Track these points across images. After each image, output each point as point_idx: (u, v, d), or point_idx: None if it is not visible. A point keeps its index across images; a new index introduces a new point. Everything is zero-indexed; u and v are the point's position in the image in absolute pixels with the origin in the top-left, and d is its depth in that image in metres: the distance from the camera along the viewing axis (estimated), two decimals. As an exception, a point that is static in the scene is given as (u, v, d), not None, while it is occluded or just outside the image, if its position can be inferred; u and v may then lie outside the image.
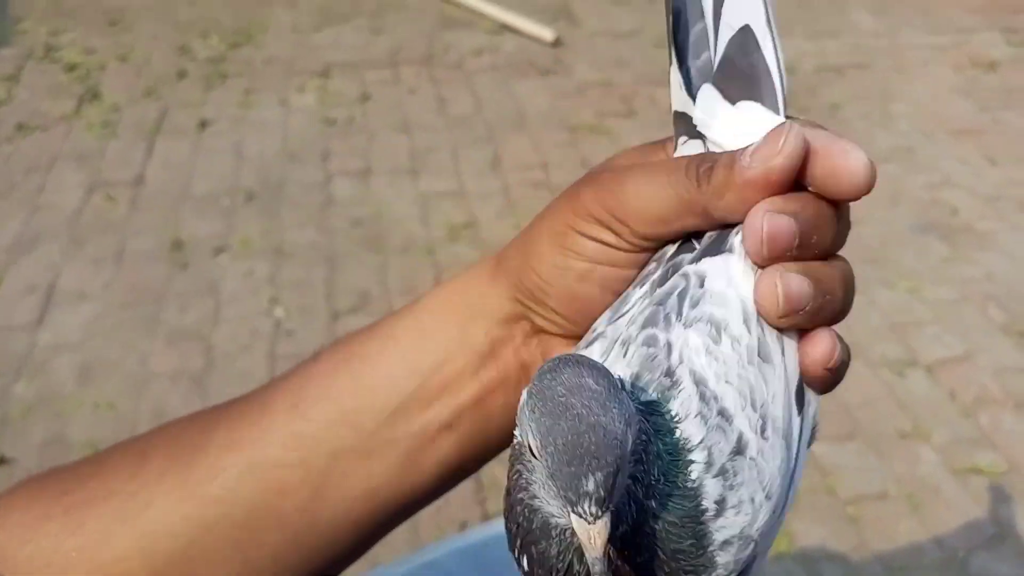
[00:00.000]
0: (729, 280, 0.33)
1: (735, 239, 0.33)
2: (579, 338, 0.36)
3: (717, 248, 0.34)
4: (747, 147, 0.32)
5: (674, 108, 0.37)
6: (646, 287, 0.34)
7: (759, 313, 0.32)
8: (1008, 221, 2.27)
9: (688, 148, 0.37)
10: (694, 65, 0.36)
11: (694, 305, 0.32)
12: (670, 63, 0.37)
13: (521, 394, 0.29)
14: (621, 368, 0.32)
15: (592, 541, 0.26)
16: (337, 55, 2.89)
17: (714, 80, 0.36)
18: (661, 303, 0.33)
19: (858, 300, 1.46)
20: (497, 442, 0.41)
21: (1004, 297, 1.99)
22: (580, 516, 0.26)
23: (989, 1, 3.60)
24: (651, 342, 0.32)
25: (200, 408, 0.44)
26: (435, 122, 2.56)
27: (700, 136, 0.36)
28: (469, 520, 1.43)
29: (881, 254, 2.11)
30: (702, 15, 0.36)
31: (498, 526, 0.80)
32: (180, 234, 2.06)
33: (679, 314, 0.32)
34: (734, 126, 0.35)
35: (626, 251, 0.35)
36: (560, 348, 0.38)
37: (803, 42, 3.17)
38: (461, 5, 3.25)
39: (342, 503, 0.39)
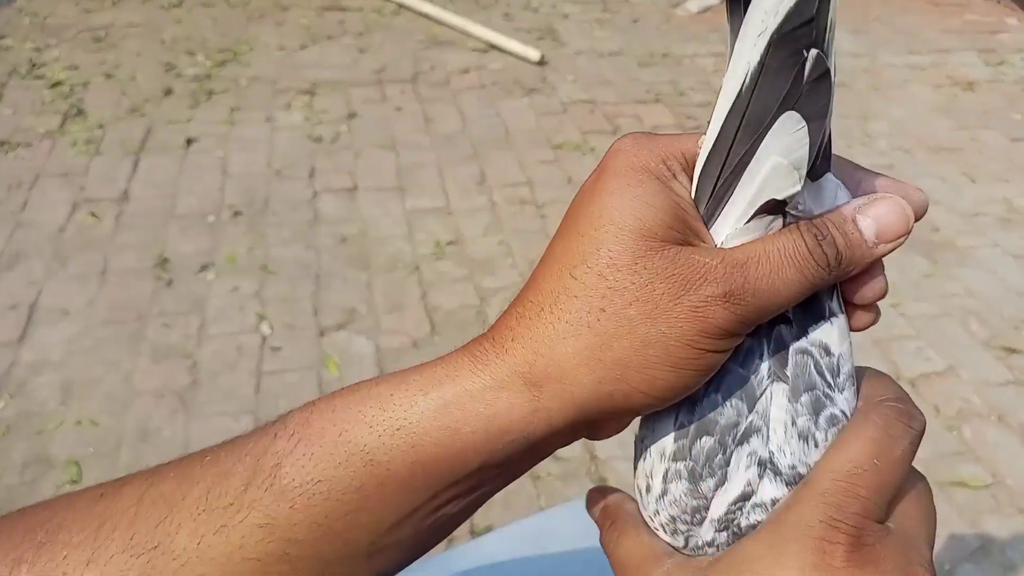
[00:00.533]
0: (841, 341, 0.35)
1: (832, 303, 0.34)
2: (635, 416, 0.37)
3: (817, 315, 0.34)
4: (862, 217, 0.33)
5: (772, 196, 0.33)
6: (759, 364, 0.34)
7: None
8: (987, 237, 2.30)
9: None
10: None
11: (835, 374, 0.34)
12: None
13: None
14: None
15: None
16: (323, 73, 2.90)
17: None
18: (808, 388, 0.34)
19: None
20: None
21: (985, 312, 2.01)
22: None
23: (966, 22, 3.67)
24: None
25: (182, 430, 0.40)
26: (421, 140, 2.57)
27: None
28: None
29: (863, 270, 2.14)
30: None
31: (484, 545, 0.79)
32: (165, 251, 2.05)
33: (831, 386, 0.34)
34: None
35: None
36: (613, 425, 0.38)
37: (785, 62, 3.21)
38: (447, 25, 3.27)
39: None
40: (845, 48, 3.37)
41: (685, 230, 0.33)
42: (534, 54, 3.05)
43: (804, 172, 0.31)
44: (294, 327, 1.85)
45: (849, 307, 0.35)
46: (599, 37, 3.31)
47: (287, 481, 0.33)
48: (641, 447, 0.37)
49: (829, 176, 0.34)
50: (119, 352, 1.76)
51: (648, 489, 0.36)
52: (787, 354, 0.34)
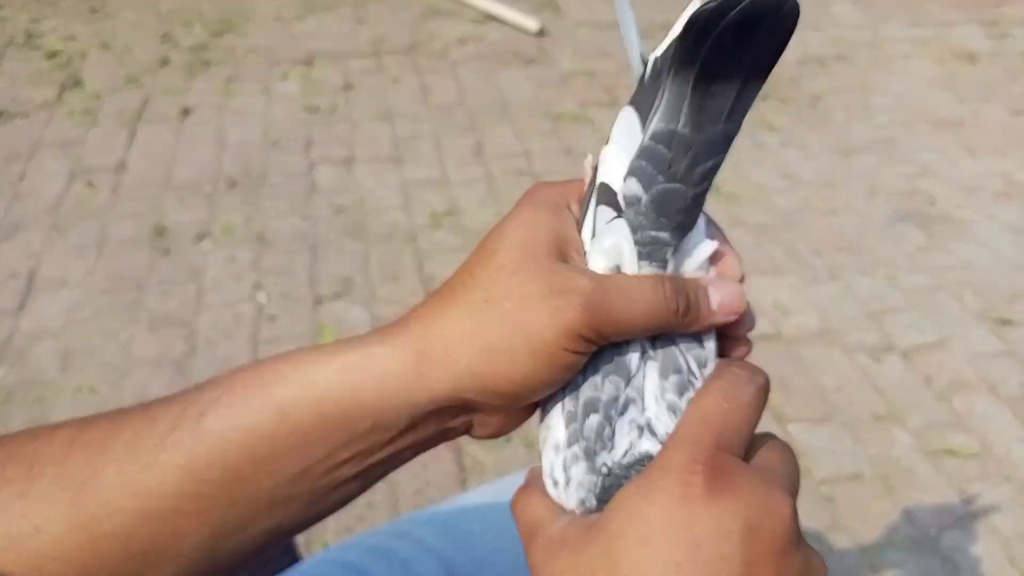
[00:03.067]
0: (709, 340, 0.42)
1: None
2: (510, 408, 0.41)
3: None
4: (713, 290, 0.40)
5: (601, 180, 0.39)
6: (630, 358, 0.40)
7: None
8: (985, 211, 2.30)
9: (614, 230, 0.39)
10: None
11: (702, 366, 0.41)
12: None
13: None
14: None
15: None
16: (320, 44, 2.89)
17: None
18: (676, 371, 0.40)
19: (835, 287, 1.52)
20: (407, 462, 0.43)
21: (979, 285, 2.02)
22: None
23: (969, -5, 3.64)
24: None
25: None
26: (418, 111, 2.56)
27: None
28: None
29: (859, 242, 2.14)
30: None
31: (468, 499, 0.81)
32: (162, 221, 2.06)
33: (694, 375, 0.40)
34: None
35: (592, 351, 0.40)
36: (494, 418, 0.42)
37: (785, 34, 3.19)
38: (445, -5, 3.25)
39: (242, 539, 0.39)
40: (847, 21, 3.35)
41: (565, 248, 0.40)
42: (533, 24, 3.03)
43: (632, 155, 0.38)
44: (290, 296, 1.86)
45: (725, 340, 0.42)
46: (599, 8, 3.28)
47: (208, 426, 0.38)
48: (541, 451, 0.41)
49: (698, 232, 0.40)
50: (117, 321, 1.77)
51: (555, 484, 0.39)
52: (658, 344, 0.39)
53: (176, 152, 2.31)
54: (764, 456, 0.37)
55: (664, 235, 0.39)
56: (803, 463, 1.55)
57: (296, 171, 2.26)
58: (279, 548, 0.42)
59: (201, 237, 2.01)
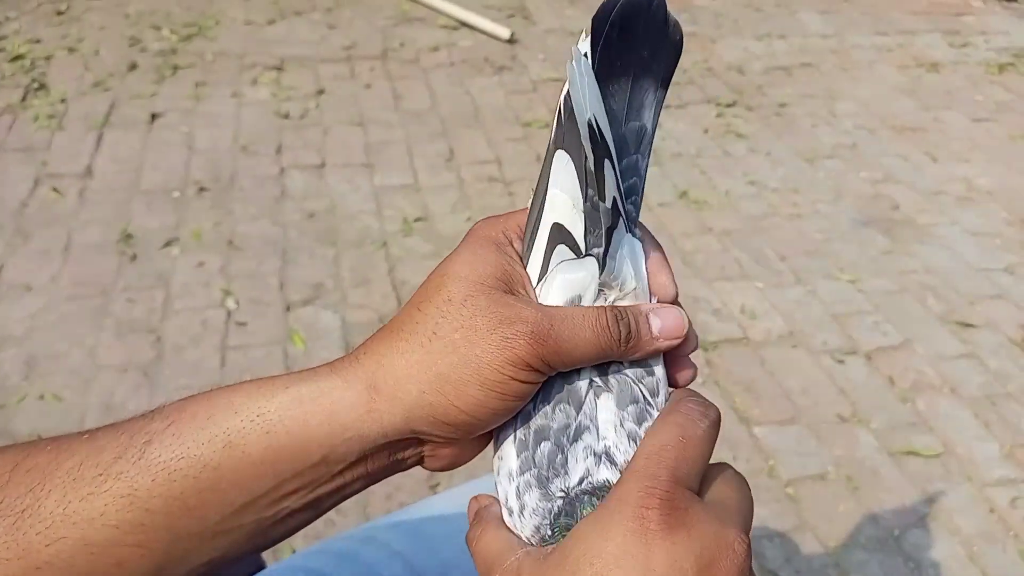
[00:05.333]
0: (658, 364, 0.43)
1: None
2: (458, 439, 0.41)
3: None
4: (653, 316, 0.41)
5: (554, 221, 0.40)
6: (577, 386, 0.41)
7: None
8: (947, 215, 2.35)
9: (577, 269, 0.40)
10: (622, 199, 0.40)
11: (654, 394, 0.42)
12: (584, 196, 0.39)
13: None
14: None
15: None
16: (291, 49, 2.88)
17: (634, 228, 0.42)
18: (633, 401, 0.41)
19: (800, 291, 1.54)
20: (359, 491, 0.43)
21: (942, 288, 2.06)
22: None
23: (932, 4, 3.72)
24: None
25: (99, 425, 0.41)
26: (390, 117, 2.56)
27: (587, 254, 0.40)
28: (420, 507, 1.44)
29: (824, 247, 2.18)
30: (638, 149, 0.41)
31: (434, 504, 0.82)
32: (129, 227, 2.04)
33: (651, 404, 0.41)
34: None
35: (542, 381, 0.41)
36: (446, 450, 0.43)
37: (752, 43, 3.24)
38: (418, 2, 3.25)
39: (185, 568, 0.39)
40: (814, 29, 3.40)
41: (511, 282, 0.41)
42: (504, 32, 3.05)
43: (580, 200, 0.39)
44: (260, 302, 1.85)
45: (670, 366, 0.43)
46: (569, 16, 3.31)
47: (153, 456, 0.37)
48: (496, 481, 0.41)
49: (626, 243, 0.41)
50: (83, 327, 1.75)
51: (511, 513, 0.40)
52: (608, 376, 0.41)
53: (144, 157, 2.29)
54: (719, 490, 0.37)
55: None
56: (769, 464, 1.57)
57: (266, 176, 2.25)
58: (220, 572, 0.41)
59: (169, 243, 1.99)
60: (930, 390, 1.76)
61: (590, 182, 0.38)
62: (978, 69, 3.22)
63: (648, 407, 0.40)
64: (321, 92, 2.65)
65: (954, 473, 1.59)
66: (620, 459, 0.38)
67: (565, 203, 0.40)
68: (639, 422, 0.39)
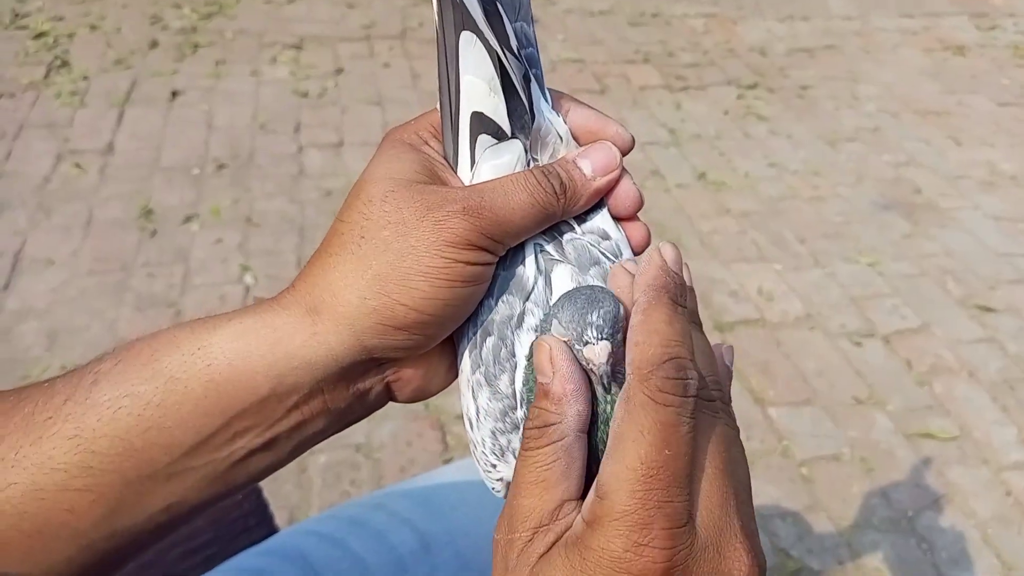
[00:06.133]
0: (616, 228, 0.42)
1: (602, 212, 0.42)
2: (418, 351, 0.39)
3: (589, 211, 0.41)
4: (580, 159, 0.40)
5: (472, 110, 0.39)
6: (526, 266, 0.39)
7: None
8: (969, 200, 2.32)
9: (503, 152, 0.39)
10: (531, 74, 0.39)
11: (617, 255, 0.41)
12: (499, 70, 0.38)
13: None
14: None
15: (597, 355, 0.33)
16: (310, 28, 2.88)
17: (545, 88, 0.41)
18: (594, 263, 0.39)
19: (819, 273, 1.53)
20: (329, 434, 0.41)
21: (961, 272, 2.04)
22: (589, 343, 0.33)
23: (959, -14, 3.65)
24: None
25: None
26: (408, 96, 2.56)
27: (512, 136, 0.39)
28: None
29: (844, 230, 2.16)
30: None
31: (445, 472, 0.82)
32: (149, 203, 2.06)
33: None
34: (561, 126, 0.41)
35: (493, 262, 0.39)
36: (410, 371, 0.41)
37: (775, 24, 3.20)
38: (436, -19, 3.24)
39: (142, 515, 0.38)
40: (837, 11, 3.36)
41: (433, 176, 0.39)
42: (524, 12, 3.03)
43: (496, 79, 0.38)
44: (278, 278, 1.86)
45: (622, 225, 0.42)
46: (590, -4, 3.28)
47: (99, 396, 0.36)
48: (460, 395, 0.40)
49: (544, 112, 0.40)
50: (103, 301, 1.78)
51: (471, 424, 0.39)
52: (564, 245, 0.39)
53: (164, 134, 2.30)
54: (708, 492, 0.32)
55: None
56: (783, 444, 1.57)
57: (285, 154, 2.26)
58: (185, 521, 0.40)
59: (188, 219, 2.01)
60: (948, 373, 1.75)
61: (501, 38, 0.36)
62: (1005, 52, 3.17)
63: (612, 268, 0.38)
64: (340, 71, 2.65)
65: (970, 456, 1.57)
66: None
67: (480, 89, 0.38)
68: (606, 282, 0.38)
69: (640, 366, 0.32)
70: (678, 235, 2.07)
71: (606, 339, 0.33)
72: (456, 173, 0.40)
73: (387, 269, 0.36)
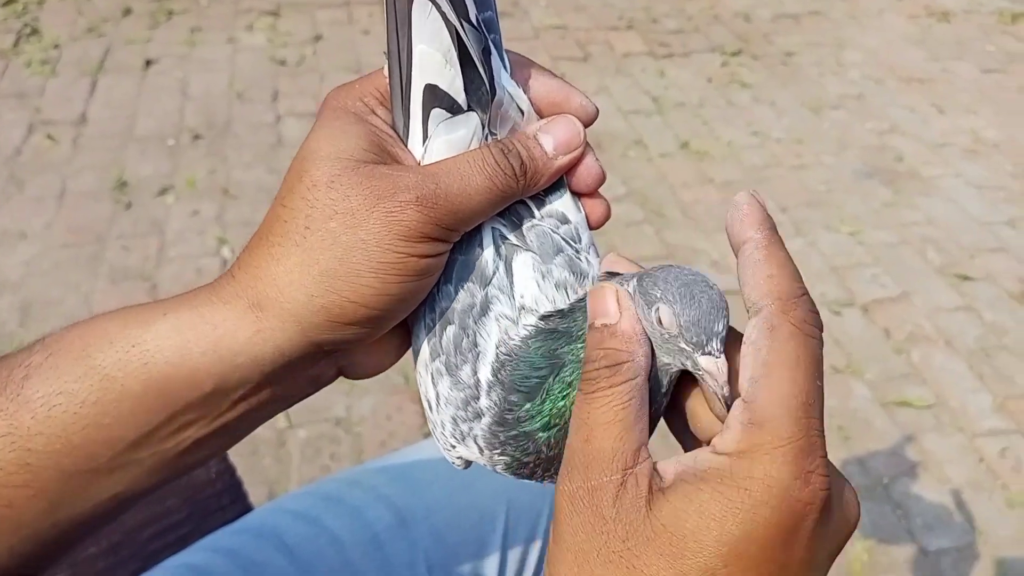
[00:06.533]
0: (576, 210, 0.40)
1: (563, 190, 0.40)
2: (369, 339, 0.37)
3: (549, 192, 0.39)
4: (542, 135, 0.37)
5: (428, 81, 0.36)
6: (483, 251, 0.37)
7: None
8: (951, 168, 2.32)
9: (458, 126, 0.36)
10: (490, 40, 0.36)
11: (576, 240, 0.39)
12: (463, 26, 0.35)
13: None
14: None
15: (719, 371, 0.32)
16: (288, -7, 2.82)
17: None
18: (558, 251, 0.38)
19: (800, 242, 1.52)
20: (279, 411, 0.40)
21: (943, 241, 2.04)
22: (710, 354, 0.32)
23: (945, -49, 3.62)
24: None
25: None
26: (388, 63, 2.52)
27: (468, 110, 0.37)
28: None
29: (826, 198, 2.15)
30: None
31: (423, 447, 0.82)
32: (124, 174, 2.02)
33: (577, 251, 0.38)
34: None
35: (447, 251, 0.36)
36: (362, 356, 0.40)
37: (760, -12, 3.17)
38: (416, -56, 3.18)
39: (86, 505, 0.36)
40: (822, -25, 3.32)
41: (382, 153, 0.36)
42: (505, -23, 2.98)
43: (452, 51, 0.35)
44: (256, 250, 1.84)
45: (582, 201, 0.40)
46: (573, -40, 3.23)
47: (31, 392, 0.34)
48: (416, 373, 0.39)
49: (503, 84, 0.37)
50: (78, 274, 1.75)
51: (430, 406, 0.38)
52: (524, 231, 0.38)
53: (138, 104, 2.26)
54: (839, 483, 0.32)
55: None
56: (763, 415, 1.57)
57: (262, 123, 2.23)
58: (134, 504, 0.39)
59: (164, 190, 1.98)
60: (926, 342, 1.76)
61: (458, 7, 0.34)
62: (990, 19, 3.15)
63: (575, 256, 0.37)
64: (318, 38, 2.61)
65: (946, 424, 1.59)
66: (546, 310, 0.36)
67: (435, 61, 0.36)
68: (573, 271, 0.37)
69: (781, 297, 0.32)
70: (660, 205, 2.06)
71: (723, 354, 0.32)
72: (407, 147, 0.37)
73: (335, 265, 0.34)
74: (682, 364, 0.33)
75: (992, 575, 1.34)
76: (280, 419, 1.47)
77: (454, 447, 0.38)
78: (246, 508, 0.75)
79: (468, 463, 0.39)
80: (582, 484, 0.31)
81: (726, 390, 0.32)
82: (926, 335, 1.78)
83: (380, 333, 0.37)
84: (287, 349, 0.35)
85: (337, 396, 1.52)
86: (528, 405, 0.35)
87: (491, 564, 0.70)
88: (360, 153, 0.35)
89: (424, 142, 0.37)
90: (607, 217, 0.40)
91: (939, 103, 2.61)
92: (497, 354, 0.36)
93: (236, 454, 1.43)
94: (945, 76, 2.76)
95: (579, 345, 0.34)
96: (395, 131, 0.38)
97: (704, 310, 0.32)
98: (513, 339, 0.36)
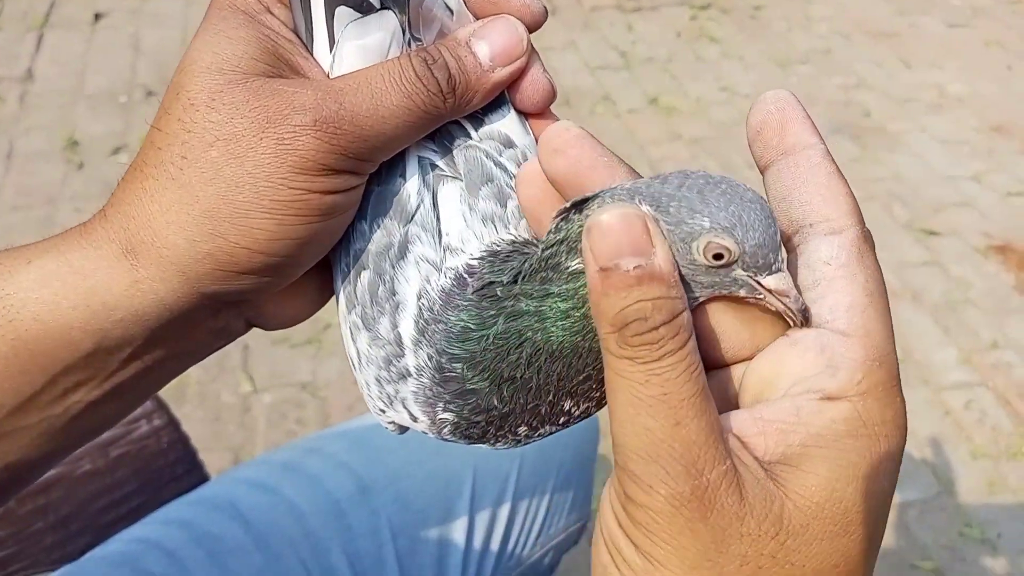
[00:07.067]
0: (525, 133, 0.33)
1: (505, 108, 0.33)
2: (276, 288, 0.32)
3: (490, 110, 0.33)
4: (476, 41, 0.31)
5: None
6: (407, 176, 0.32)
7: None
8: (918, 122, 2.32)
9: (371, 28, 0.30)
10: None
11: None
12: None
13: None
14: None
15: (791, 287, 0.26)
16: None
17: None
18: (487, 180, 0.32)
19: None
20: (189, 366, 0.35)
21: (909, 196, 2.05)
22: (779, 271, 0.26)
23: (913, -98, 3.59)
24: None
25: None
26: (349, 17, 2.45)
27: (381, 7, 0.31)
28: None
29: (794, 154, 2.14)
30: None
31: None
32: (74, 133, 1.95)
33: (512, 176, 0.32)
34: None
35: (360, 184, 0.31)
36: (273, 305, 0.35)
37: (729, -60, 3.12)
38: None
39: None
40: (791, -73, 3.28)
41: (277, 62, 0.30)
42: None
43: None
44: (214, 212, 1.79)
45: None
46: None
47: None
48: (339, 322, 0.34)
49: None
50: (29, 238, 1.67)
51: (354, 365, 0.33)
52: (455, 154, 0.32)
53: (87, 60, 2.17)
54: None
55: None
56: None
57: (218, 80, 2.16)
58: (38, 475, 0.35)
59: (116, 150, 1.91)
60: (892, 297, 1.75)
61: None
62: (957, -28, 3.14)
63: (510, 184, 0.31)
64: (275, -9, 2.52)
65: (911, 377, 1.61)
66: (472, 248, 0.30)
67: None
68: (502, 202, 0.31)
69: (862, 222, 0.29)
70: (628, 162, 2.02)
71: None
72: (312, 55, 0.31)
73: (218, 203, 0.28)
74: (728, 291, 0.27)
75: (958, 526, 1.36)
76: (244, 384, 1.44)
77: (383, 411, 0.33)
78: (202, 478, 0.72)
79: (403, 428, 0.34)
80: (690, 483, 0.24)
81: (802, 303, 0.26)
82: (892, 290, 1.79)
83: (287, 281, 0.32)
84: (172, 302, 0.30)
85: (302, 360, 1.49)
86: (463, 366, 0.29)
87: (459, 528, 0.69)
88: (248, 63, 0.29)
89: (332, 48, 0.31)
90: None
91: (906, 58, 2.60)
92: (419, 306, 0.30)
93: (198, 420, 1.40)
94: (912, 30, 2.75)
95: (546, 281, 0.28)
96: (298, 35, 0.31)
97: (764, 224, 0.26)
98: (435, 287, 0.30)
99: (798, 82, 2.43)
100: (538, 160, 0.29)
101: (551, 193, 0.30)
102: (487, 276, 0.30)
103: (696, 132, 2.17)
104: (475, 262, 0.30)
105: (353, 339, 0.32)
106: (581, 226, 0.26)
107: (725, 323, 0.28)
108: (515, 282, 0.29)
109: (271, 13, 0.31)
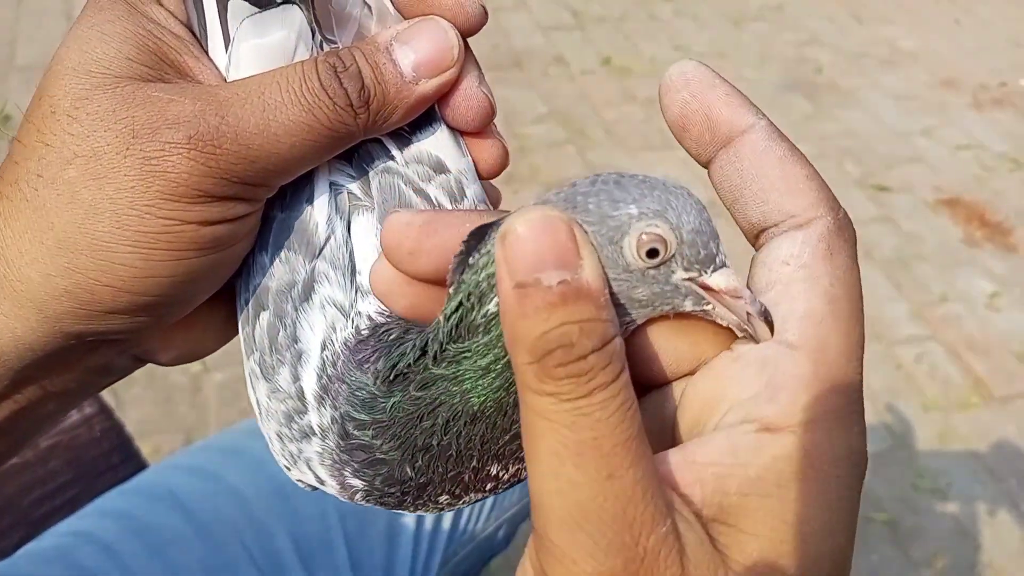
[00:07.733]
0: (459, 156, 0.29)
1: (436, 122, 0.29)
2: (159, 328, 0.27)
3: (418, 127, 0.28)
4: (398, 46, 0.26)
5: None
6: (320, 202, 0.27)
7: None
8: (869, 78, 2.32)
9: (271, 26, 0.26)
10: None
11: (459, 197, 0.29)
12: None
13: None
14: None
15: (742, 287, 0.22)
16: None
17: None
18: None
19: None
20: (76, 405, 0.32)
21: (861, 152, 2.06)
22: (724, 265, 0.22)
23: None
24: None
25: None
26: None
27: (285, 0, 0.26)
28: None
29: (748, 113, 2.14)
30: None
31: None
32: (6, 107, 1.86)
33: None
34: None
35: (252, 212, 0.26)
36: (159, 342, 0.30)
37: None
38: None
39: None
40: None
41: (159, 64, 0.25)
42: None
43: None
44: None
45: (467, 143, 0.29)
46: None
47: None
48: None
49: None
50: (-39, 219, 1.62)
51: (257, 413, 0.28)
52: (372, 173, 0.27)
53: (17, 28, 2.07)
54: None
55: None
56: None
57: (157, 48, 2.08)
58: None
59: (52, 124, 1.84)
60: (846, 254, 1.78)
61: None
62: (907, -76, 3.13)
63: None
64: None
65: (868, 337, 1.62)
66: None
67: None
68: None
69: (834, 208, 0.25)
70: (583, 125, 2.01)
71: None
72: (207, 54, 0.27)
73: (75, 233, 0.23)
74: (671, 306, 0.22)
75: (910, 478, 1.39)
76: (195, 364, 1.41)
77: (288, 469, 0.28)
78: (140, 466, 0.70)
79: (314, 487, 0.29)
80: (623, 555, 0.19)
81: (760, 305, 0.22)
82: (845, 247, 1.80)
83: (172, 319, 0.27)
84: (32, 342, 0.25)
85: (253, 336, 1.46)
86: (371, 433, 0.25)
87: (410, 508, 0.67)
88: (122, 64, 0.24)
89: (228, 47, 0.26)
90: (504, 163, 0.29)
91: (857, 13, 2.60)
92: (323, 358, 0.26)
93: (148, 402, 1.36)
94: (864, -15, 2.75)
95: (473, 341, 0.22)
96: (192, 30, 0.27)
97: (696, 209, 0.23)
98: (339, 339, 0.25)
99: (752, 39, 2.41)
100: (388, 263, 0.23)
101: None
102: (393, 358, 0.25)
103: (651, 93, 2.15)
104: (382, 319, 0.26)
105: (252, 387, 0.28)
106: (489, 263, 0.21)
107: (662, 334, 0.23)
108: (423, 358, 0.24)
109: (159, 3, 0.27)
